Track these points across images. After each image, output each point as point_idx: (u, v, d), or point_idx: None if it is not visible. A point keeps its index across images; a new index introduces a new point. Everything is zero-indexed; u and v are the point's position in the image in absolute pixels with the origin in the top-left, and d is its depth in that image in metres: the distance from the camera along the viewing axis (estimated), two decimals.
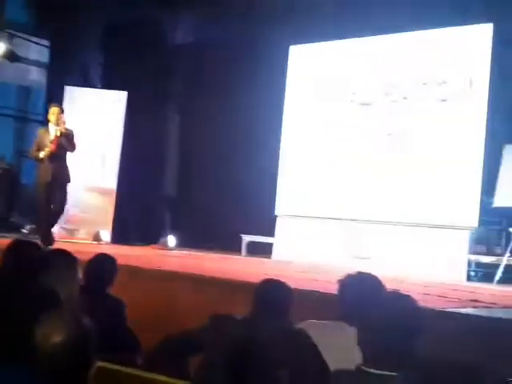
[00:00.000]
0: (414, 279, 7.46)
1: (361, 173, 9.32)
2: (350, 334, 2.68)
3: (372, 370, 2.17)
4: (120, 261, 4.46)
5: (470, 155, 8.35)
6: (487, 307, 5.09)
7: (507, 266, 7.96)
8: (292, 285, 3.52)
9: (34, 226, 10.32)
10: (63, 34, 11.96)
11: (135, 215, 11.29)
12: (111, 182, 11.02)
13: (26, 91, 14.10)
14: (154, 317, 4.79)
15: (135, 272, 6.16)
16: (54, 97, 10.55)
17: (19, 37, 12.23)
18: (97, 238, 10.70)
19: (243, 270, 7.26)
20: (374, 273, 3.29)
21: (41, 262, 3.37)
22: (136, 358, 3.36)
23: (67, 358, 1.74)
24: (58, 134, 7.70)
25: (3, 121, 13.58)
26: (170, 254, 9.62)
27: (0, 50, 11.21)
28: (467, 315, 4.58)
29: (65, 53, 12.04)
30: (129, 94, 11.11)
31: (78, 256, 3.76)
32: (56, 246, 7.54)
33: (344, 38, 9.66)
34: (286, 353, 2.68)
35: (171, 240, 10.70)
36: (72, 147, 7.84)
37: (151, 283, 5.93)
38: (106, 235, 10.79)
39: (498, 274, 7.91)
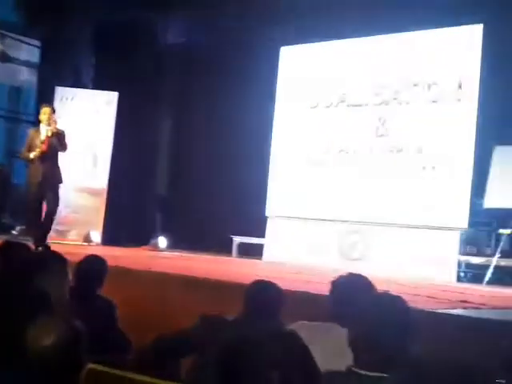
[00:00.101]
0: (404, 280, 7.48)
1: (351, 174, 9.33)
2: (340, 335, 2.69)
3: (363, 371, 2.17)
4: (111, 262, 4.45)
5: (461, 156, 8.38)
6: (476, 308, 5.11)
7: (497, 267, 8.00)
8: (282, 286, 3.52)
9: (24, 227, 10.29)
10: (54, 35, 11.93)
11: (126, 216, 11.26)
12: (102, 183, 11.00)
13: (16, 91, 14.04)
14: (144, 318, 4.78)
15: (126, 273, 6.15)
16: (45, 97, 10.52)
17: (10, 37, 12.20)
18: (88, 239, 10.67)
19: (234, 271, 7.26)
20: (364, 274, 3.31)
21: (31, 264, 3.36)
22: (127, 360, 3.36)
23: (58, 360, 1.73)
24: (49, 134, 7.65)
25: None
26: (160, 256, 9.61)
27: None
28: (457, 316, 4.60)
29: (56, 53, 12.01)
30: (120, 95, 11.09)
31: (69, 257, 3.76)
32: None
33: (335, 39, 9.67)
34: (277, 354, 2.68)
35: (162, 241, 10.69)
36: (63, 147, 7.79)
37: (142, 284, 5.92)
38: (96, 236, 10.76)
39: (488, 275, 7.94)
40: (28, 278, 3.12)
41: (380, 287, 3.29)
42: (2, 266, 3.38)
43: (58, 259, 3.62)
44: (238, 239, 10.15)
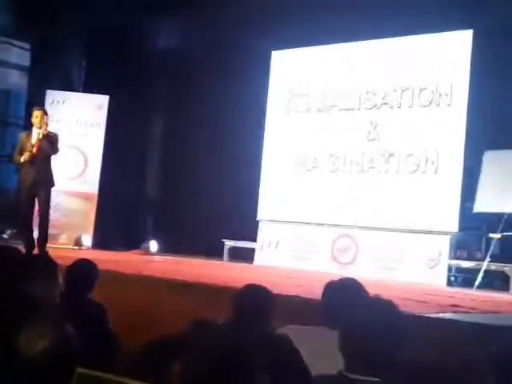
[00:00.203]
0: (394, 284, 7.50)
1: (342, 178, 9.36)
2: (331, 339, 2.69)
3: (353, 376, 2.17)
4: (101, 266, 4.44)
5: (451, 161, 8.42)
6: (467, 312, 5.12)
7: (487, 271, 8.03)
8: (273, 290, 3.52)
9: (14, 231, 10.24)
10: (44, 38, 11.89)
11: (117, 220, 11.23)
12: (93, 187, 10.98)
13: (6, 95, 13.99)
14: (135, 322, 4.77)
15: (117, 277, 6.13)
16: (35, 100, 10.47)
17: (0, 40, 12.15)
18: (78, 242, 10.63)
19: (225, 275, 7.25)
20: (355, 278, 3.31)
21: (21, 268, 3.35)
22: (118, 364, 3.34)
23: (49, 364, 1.72)
24: (40, 137, 7.61)
25: None
26: (151, 260, 9.59)
27: None
28: (447, 320, 4.61)
29: (46, 56, 11.98)
30: (110, 98, 11.07)
31: (59, 261, 3.74)
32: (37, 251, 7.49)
33: (326, 43, 9.71)
34: (268, 358, 2.68)
35: (153, 245, 10.67)
36: (54, 150, 7.73)
37: (133, 288, 5.90)
38: (87, 240, 10.73)
39: (478, 279, 7.96)
40: (18, 281, 3.11)
41: (371, 291, 3.29)
42: None
43: (49, 263, 3.61)
44: (229, 243, 10.14)
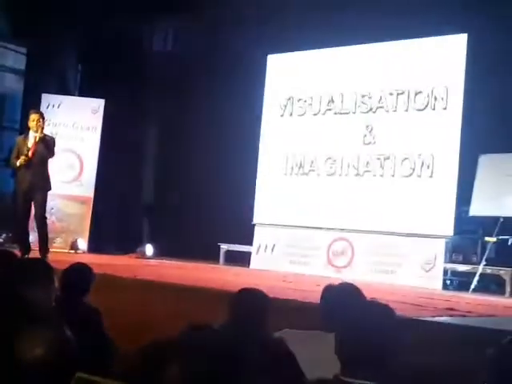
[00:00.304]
0: (390, 288, 7.51)
1: (338, 182, 9.37)
2: (327, 342, 2.69)
3: (349, 380, 2.17)
4: (97, 270, 4.43)
5: (446, 164, 8.44)
6: (463, 316, 5.13)
7: (482, 275, 8.04)
8: (269, 294, 3.52)
9: (10, 235, 10.22)
10: (40, 42, 11.89)
11: (112, 224, 11.23)
12: (88, 191, 10.96)
13: (1, 98, 13.97)
14: (131, 326, 4.76)
15: (112, 281, 6.13)
16: (31, 104, 10.46)
17: None
18: (74, 246, 10.61)
19: (221, 278, 7.24)
20: (350, 281, 3.32)
21: (17, 272, 3.34)
22: (113, 368, 3.33)
23: (48, 370, 1.71)
24: (37, 140, 7.58)
25: None
26: (147, 263, 9.58)
27: None
28: (443, 324, 4.61)
29: (42, 60, 11.97)
30: (106, 102, 11.06)
31: (55, 265, 3.73)
32: (33, 255, 7.48)
33: (321, 47, 9.72)
34: (264, 362, 2.68)
35: (149, 249, 10.66)
36: (50, 154, 7.72)
37: (128, 292, 5.90)
38: (83, 244, 10.71)
39: (474, 283, 7.97)
40: (13, 285, 3.10)
41: (366, 295, 3.30)
42: None
43: (44, 267, 3.60)
44: (225, 247, 10.14)
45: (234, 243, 10.10)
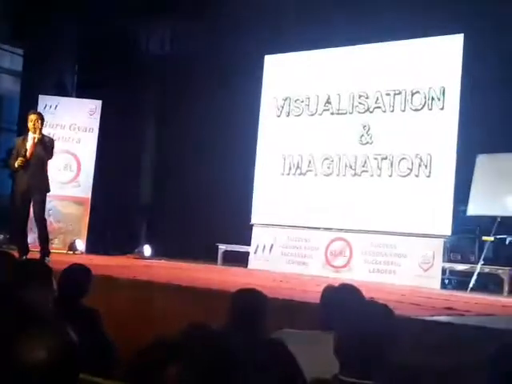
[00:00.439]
0: (389, 287, 7.52)
1: (336, 182, 9.37)
2: (325, 342, 2.69)
3: (349, 379, 2.18)
4: (96, 271, 4.44)
5: (444, 164, 8.45)
6: (461, 315, 5.13)
7: (480, 274, 8.05)
8: (268, 294, 3.52)
9: (8, 236, 10.21)
10: (37, 43, 11.88)
11: (110, 225, 11.22)
12: (86, 192, 10.96)
13: None
14: (129, 327, 4.76)
15: (111, 282, 6.13)
16: (28, 105, 10.45)
17: None
18: (72, 247, 10.61)
19: (219, 279, 7.24)
20: (349, 281, 3.33)
21: (15, 273, 3.34)
22: (113, 369, 3.34)
23: (52, 373, 1.70)
24: (35, 141, 7.54)
25: None
26: (146, 264, 9.57)
27: None
28: (442, 323, 4.62)
29: (39, 61, 11.96)
30: (103, 103, 11.06)
31: (53, 266, 3.74)
32: (31, 256, 7.47)
33: (318, 48, 9.73)
34: (263, 362, 2.68)
35: (147, 249, 10.66)
36: (48, 155, 7.68)
37: (127, 293, 5.90)
38: (80, 245, 10.71)
39: (472, 282, 7.99)
40: (12, 287, 3.10)
41: (365, 294, 3.31)
42: None
43: (43, 268, 3.60)
44: (223, 247, 10.14)
45: (232, 243, 10.10)
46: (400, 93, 8.93)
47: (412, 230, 8.57)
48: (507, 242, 8.18)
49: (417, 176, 8.67)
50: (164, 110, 11.82)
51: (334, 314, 2.98)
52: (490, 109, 8.17)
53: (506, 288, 7.81)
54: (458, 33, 8.48)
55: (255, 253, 9.87)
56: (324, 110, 9.64)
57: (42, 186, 7.63)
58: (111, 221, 11.25)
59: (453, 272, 8.60)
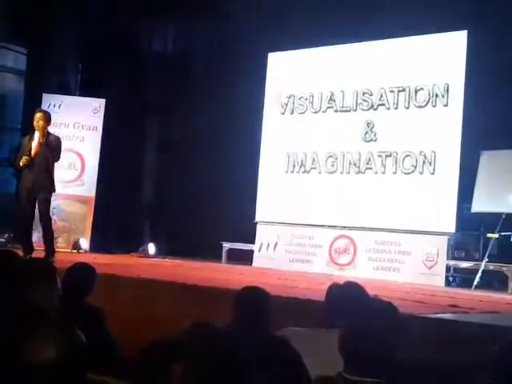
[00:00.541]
0: (393, 285, 7.51)
1: (340, 179, 9.37)
2: (330, 340, 2.69)
3: (353, 377, 2.18)
4: (101, 269, 4.44)
5: (448, 161, 8.44)
6: (465, 312, 5.13)
7: (485, 272, 8.04)
8: (272, 292, 3.52)
9: (12, 235, 10.23)
10: (40, 42, 11.89)
11: (114, 223, 11.23)
12: (90, 190, 10.96)
13: (3, 99, 13.99)
14: (134, 325, 4.77)
15: (116, 281, 6.13)
16: (32, 104, 10.46)
17: None
18: (76, 246, 10.62)
19: (223, 277, 7.24)
20: (353, 279, 3.33)
21: (20, 272, 3.34)
22: (117, 368, 3.34)
23: (59, 372, 1.70)
24: (40, 141, 7.50)
25: None
26: (150, 262, 9.58)
27: None
28: (446, 320, 4.62)
29: (42, 60, 11.97)
30: (107, 102, 11.06)
31: (57, 265, 3.74)
32: (35, 255, 7.47)
33: (322, 45, 9.72)
34: (267, 360, 2.68)
35: (151, 248, 10.66)
36: (55, 155, 7.55)
37: (132, 291, 5.90)
38: (85, 243, 10.72)
39: (476, 280, 7.98)
40: (17, 286, 3.10)
41: (369, 292, 3.30)
42: None
43: (47, 267, 3.60)
44: (227, 245, 10.14)
45: (236, 242, 10.10)
46: (404, 90, 8.92)
47: (416, 228, 8.56)
48: None
49: (421, 173, 8.66)
50: (168, 108, 11.81)
51: (338, 311, 2.98)
52: (494, 105, 8.15)
53: (510, 285, 7.81)
54: (462, 29, 8.47)
55: (259, 251, 9.88)
56: (328, 108, 9.63)
57: (46, 185, 7.56)
58: (115, 219, 11.26)
59: (457, 269, 8.59)
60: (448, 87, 8.55)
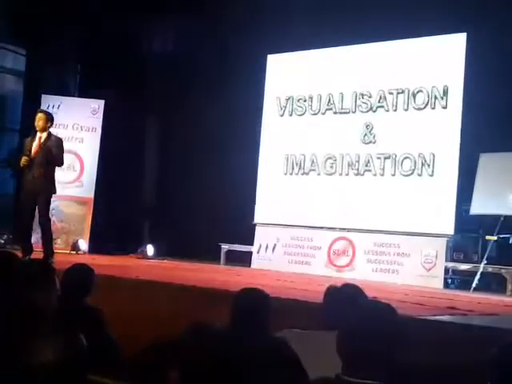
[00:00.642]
0: (392, 287, 7.51)
1: (339, 181, 9.37)
2: (329, 342, 2.69)
3: (351, 379, 2.18)
4: (99, 271, 4.44)
5: (447, 163, 8.44)
6: (464, 314, 5.13)
7: (483, 274, 8.04)
8: (271, 293, 3.52)
9: (11, 236, 10.23)
10: (40, 43, 11.89)
11: (113, 224, 11.23)
12: (89, 191, 10.96)
13: (2, 100, 13.98)
14: (133, 327, 4.77)
15: (114, 282, 6.13)
16: (31, 105, 10.46)
17: None
18: (75, 247, 10.61)
19: (221, 278, 7.25)
20: (352, 281, 3.34)
21: (18, 273, 3.34)
22: (117, 369, 3.34)
23: (60, 374, 1.70)
24: (41, 141, 7.48)
25: None
26: (149, 264, 9.58)
27: None
28: (444, 322, 4.62)
29: (41, 61, 11.97)
30: (106, 103, 11.07)
31: (56, 266, 3.74)
32: (34, 256, 7.46)
33: (321, 47, 9.73)
34: (266, 361, 2.68)
35: (150, 249, 10.66)
36: (57, 157, 7.49)
37: (130, 293, 5.90)
38: (83, 245, 10.72)
39: (475, 282, 7.98)
40: (15, 287, 3.10)
41: (368, 294, 3.31)
42: None
43: (46, 268, 3.60)
44: (226, 247, 10.14)
45: (234, 243, 10.10)
46: (403, 92, 8.93)
47: (415, 230, 8.57)
48: (511, 242, 8.17)
49: (420, 175, 8.67)
50: (167, 109, 11.81)
51: (336, 313, 2.98)
52: (493, 108, 8.16)
53: (509, 287, 7.81)
54: (461, 31, 8.48)
55: (258, 252, 9.88)
56: (327, 110, 9.64)
57: (46, 185, 7.50)
58: (114, 221, 11.26)
59: (456, 271, 8.60)
60: (447, 89, 8.56)
